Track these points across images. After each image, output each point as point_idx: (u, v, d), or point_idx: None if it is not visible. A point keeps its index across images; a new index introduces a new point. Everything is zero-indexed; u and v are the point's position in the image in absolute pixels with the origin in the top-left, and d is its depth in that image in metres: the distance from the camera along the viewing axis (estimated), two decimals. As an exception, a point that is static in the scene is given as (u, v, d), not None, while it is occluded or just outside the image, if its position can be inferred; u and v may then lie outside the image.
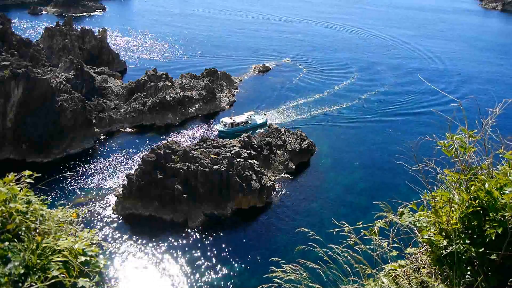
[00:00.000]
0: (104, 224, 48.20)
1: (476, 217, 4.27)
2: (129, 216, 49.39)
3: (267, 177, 55.77)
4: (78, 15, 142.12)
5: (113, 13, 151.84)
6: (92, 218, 48.61)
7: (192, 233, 47.56)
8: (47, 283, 3.49)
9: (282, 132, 65.58)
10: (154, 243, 45.59)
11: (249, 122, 71.08)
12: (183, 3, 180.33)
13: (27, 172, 4.46)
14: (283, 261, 5.34)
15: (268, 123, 71.74)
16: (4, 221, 3.79)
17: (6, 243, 3.64)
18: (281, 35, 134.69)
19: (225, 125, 69.09)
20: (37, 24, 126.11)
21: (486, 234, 4.08)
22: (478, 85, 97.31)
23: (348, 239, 5.14)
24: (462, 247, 4.15)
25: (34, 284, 3.46)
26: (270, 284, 5.08)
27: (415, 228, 4.67)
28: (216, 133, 69.38)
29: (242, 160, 53.58)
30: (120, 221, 48.98)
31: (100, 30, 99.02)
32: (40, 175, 4.60)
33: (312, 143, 64.82)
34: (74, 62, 75.88)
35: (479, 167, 4.61)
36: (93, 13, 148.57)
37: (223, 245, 45.87)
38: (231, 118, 70.28)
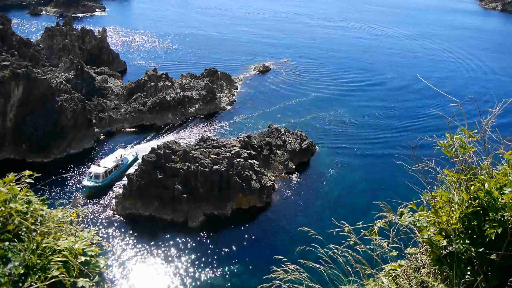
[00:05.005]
0: (104, 224, 48.18)
1: (476, 217, 4.27)
2: (129, 216, 49.38)
3: (267, 177, 55.77)
4: (78, 15, 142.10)
5: (113, 13, 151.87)
6: (92, 218, 48.62)
7: (192, 233, 47.55)
8: (47, 283, 3.50)
9: (282, 132, 65.58)
10: (154, 243, 45.58)
11: (121, 163, 57.53)
12: (183, 3, 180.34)
13: (27, 172, 4.46)
14: (283, 260, 5.34)
15: (139, 156, 59.53)
16: (4, 221, 3.80)
17: (6, 243, 3.64)
18: (281, 35, 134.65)
19: (97, 177, 53.44)
20: (37, 24, 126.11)
21: (486, 234, 4.08)
22: (477, 85, 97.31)
23: (348, 239, 5.14)
24: (462, 247, 4.16)
25: (34, 284, 3.46)
26: (270, 284, 5.08)
27: (415, 228, 4.67)
28: (83, 189, 53.57)
29: (242, 160, 53.58)
30: (120, 221, 48.97)
31: (100, 30, 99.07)
32: (40, 175, 4.60)
33: (312, 143, 64.81)
34: (74, 62, 75.89)
35: (479, 167, 4.61)
36: (93, 13, 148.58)
37: (223, 245, 45.85)
38: (100, 166, 55.51)
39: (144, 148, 63.16)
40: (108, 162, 56.40)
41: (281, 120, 74.31)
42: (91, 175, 53.98)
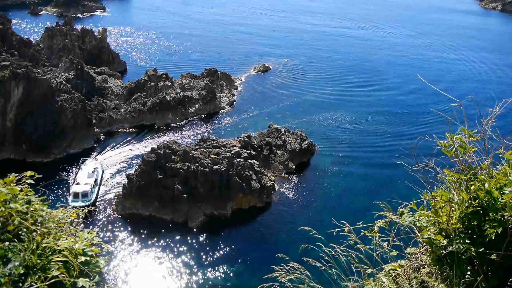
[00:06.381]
0: (104, 224, 48.19)
1: (476, 217, 4.28)
2: (129, 216, 49.39)
3: (267, 177, 55.76)
4: (78, 15, 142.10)
5: (113, 13, 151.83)
6: (92, 218, 48.61)
7: (192, 233, 47.57)
8: (47, 283, 3.50)
9: (282, 132, 65.56)
10: (154, 243, 45.59)
11: (97, 177, 54.16)
12: (183, 3, 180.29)
13: (28, 173, 4.46)
14: (284, 260, 5.35)
15: (103, 167, 57.84)
16: (4, 222, 3.80)
17: (6, 243, 3.64)
18: (281, 35, 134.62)
19: (85, 195, 49.83)
20: (37, 24, 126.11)
21: (486, 234, 4.08)
22: (477, 85, 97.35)
23: (348, 239, 5.14)
24: (462, 247, 4.16)
25: (34, 284, 3.46)
26: (271, 284, 5.08)
27: (415, 228, 4.67)
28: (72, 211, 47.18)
29: (242, 160, 53.58)
30: (120, 221, 48.97)
31: (100, 30, 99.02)
32: (41, 176, 4.60)
33: (312, 143, 64.81)
34: (74, 62, 75.89)
35: (479, 167, 4.61)
36: (93, 13, 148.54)
37: (223, 245, 45.87)
38: (81, 183, 51.36)
39: (107, 158, 61.17)
40: (86, 178, 52.36)
41: (281, 120, 74.31)
42: (77, 194, 49.64)
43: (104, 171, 56.96)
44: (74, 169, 57.89)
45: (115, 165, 60.05)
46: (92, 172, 54.01)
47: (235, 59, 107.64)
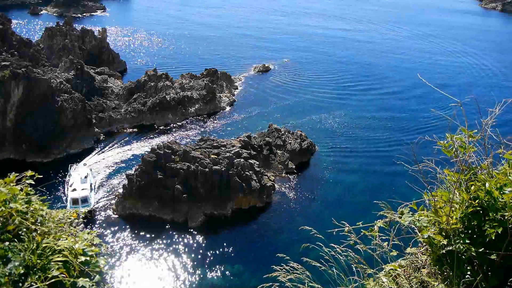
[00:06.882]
0: (104, 224, 48.18)
1: (476, 217, 4.28)
2: (129, 216, 49.38)
3: (267, 177, 55.76)
4: (78, 15, 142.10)
5: (113, 13, 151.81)
6: (92, 218, 48.61)
7: (192, 233, 47.57)
8: (47, 283, 3.50)
9: (282, 132, 65.55)
10: (154, 243, 45.59)
11: (91, 181, 53.36)
12: (184, 3, 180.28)
13: (29, 173, 4.46)
14: (284, 260, 5.35)
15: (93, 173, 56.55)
16: (4, 222, 3.80)
17: (6, 243, 3.64)
18: (282, 36, 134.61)
19: (85, 200, 49.16)
20: (37, 24, 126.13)
21: (486, 234, 4.08)
22: (478, 84, 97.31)
23: (348, 239, 5.14)
24: (462, 247, 4.16)
25: (34, 284, 3.46)
26: (271, 284, 5.09)
27: (415, 228, 4.67)
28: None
29: (242, 160, 53.58)
30: (120, 221, 48.96)
31: (100, 30, 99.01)
32: (42, 176, 4.61)
33: (312, 143, 64.80)
34: (74, 62, 75.88)
35: (479, 167, 4.61)
36: (93, 13, 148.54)
37: (223, 245, 45.87)
38: (78, 189, 50.43)
39: (106, 158, 60.51)
40: (81, 184, 51.33)
41: (281, 120, 74.29)
42: (76, 200, 48.74)
43: (94, 176, 55.76)
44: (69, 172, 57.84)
45: (114, 165, 60.02)
46: (85, 177, 52.87)
47: (235, 59, 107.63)
